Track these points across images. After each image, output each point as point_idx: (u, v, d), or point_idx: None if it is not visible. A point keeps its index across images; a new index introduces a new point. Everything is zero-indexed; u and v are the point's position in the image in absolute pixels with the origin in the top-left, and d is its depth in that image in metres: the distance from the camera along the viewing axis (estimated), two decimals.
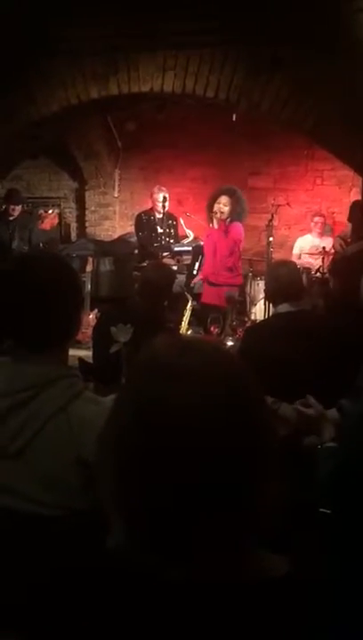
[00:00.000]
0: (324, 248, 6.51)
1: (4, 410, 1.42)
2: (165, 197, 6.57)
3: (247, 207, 5.76)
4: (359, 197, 5.93)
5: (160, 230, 6.59)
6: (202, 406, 0.73)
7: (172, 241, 6.78)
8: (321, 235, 7.23)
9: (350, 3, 5.02)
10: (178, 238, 6.89)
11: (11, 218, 6.93)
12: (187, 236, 6.85)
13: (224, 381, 0.77)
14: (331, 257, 6.26)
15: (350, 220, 6.11)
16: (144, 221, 6.76)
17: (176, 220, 6.90)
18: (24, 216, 7.37)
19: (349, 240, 5.93)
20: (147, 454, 0.73)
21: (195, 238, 6.86)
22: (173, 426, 0.73)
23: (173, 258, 6.72)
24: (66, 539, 1.34)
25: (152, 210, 6.76)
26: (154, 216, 6.71)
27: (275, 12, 5.17)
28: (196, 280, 6.19)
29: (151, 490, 0.73)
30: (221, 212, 5.53)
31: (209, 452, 0.72)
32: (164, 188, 6.73)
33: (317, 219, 7.30)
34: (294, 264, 4.48)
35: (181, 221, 6.82)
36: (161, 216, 6.62)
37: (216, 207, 5.56)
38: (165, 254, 6.55)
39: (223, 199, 5.54)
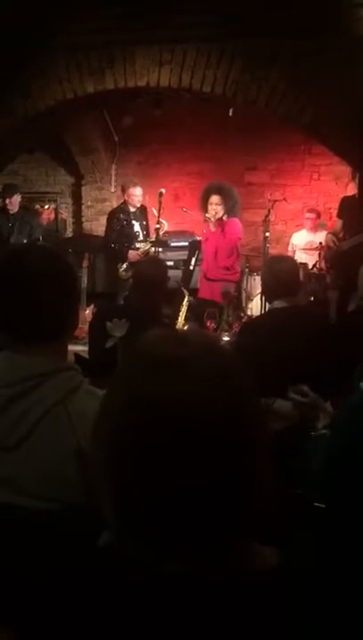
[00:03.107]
0: (320, 243, 6.51)
1: (3, 402, 1.42)
2: (134, 190, 6.52)
3: (239, 198, 5.76)
4: (355, 193, 5.93)
5: (136, 224, 6.57)
6: (196, 398, 0.73)
7: (145, 233, 6.68)
8: (315, 230, 7.22)
9: None
10: (149, 232, 6.74)
11: (11, 212, 6.90)
12: (162, 223, 6.69)
13: (219, 374, 0.77)
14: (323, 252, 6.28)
15: (339, 215, 6.12)
16: (120, 217, 6.62)
17: (145, 211, 6.77)
18: (25, 211, 7.34)
19: (340, 235, 5.93)
20: (141, 448, 0.73)
21: (189, 232, 6.82)
22: (168, 418, 0.73)
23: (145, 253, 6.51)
24: (63, 533, 1.34)
25: (126, 204, 6.66)
26: (128, 210, 6.65)
27: (273, 6, 5.16)
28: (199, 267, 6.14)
29: (145, 484, 0.73)
30: (216, 212, 5.55)
31: (204, 446, 0.72)
32: (136, 180, 6.68)
33: (309, 214, 7.29)
34: (293, 259, 4.48)
35: (154, 210, 6.59)
36: (135, 210, 6.60)
37: (210, 209, 5.58)
38: (133, 252, 6.46)
39: (214, 199, 5.56)
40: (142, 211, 6.74)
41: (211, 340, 0.88)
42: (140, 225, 6.64)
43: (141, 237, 6.60)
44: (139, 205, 6.63)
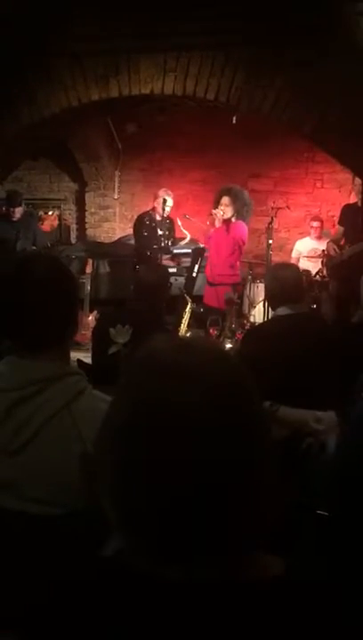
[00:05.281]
0: (323, 251, 6.52)
1: (7, 405, 1.42)
2: (164, 200, 6.54)
3: (251, 204, 5.79)
4: (358, 201, 5.94)
5: (160, 232, 6.56)
6: (200, 405, 0.73)
7: (170, 242, 6.74)
8: (319, 237, 7.24)
9: (351, 6, 5.04)
10: (176, 240, 6.85)
11: (14, 219, 6.88)
12: (184, 237, 6.81)
13: (222, 380, 0.77)
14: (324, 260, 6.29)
15: (340, 223, 6.13)
16: (146, 223, 6.64)
17: (173, 222, 6.85)
18: (27, 218, 7.34)
19: (341, 243, 5.94)
20: (144, 453, 0.73)
21: (192, 240, 6.85)
22: (171, 424, 0.73)
23: (172, 260, 6.69)
24: (66, 538, 1.34)
25: (153, 211, 6.69)
26: (154, 218, 6.66)
27: (276, 14, 5.18)
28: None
29: (149, 490, 0.73)
30: (224, 213, 5.59)
31: (207, 451, 0.72)
32: (170, 192, 6.69)
33: (315, 223, 7.31)
34: (297, 266, 4.48)
35: (179, 222, 6.75)
36: (160, 218, 6.60)
37: (219, 209, 5.63)
38: (165, 257, 6.53)
39: (224, 200, 5.62)
40: (171, 222, 6.73)
41: (215, 346, 0.87)
42: (163, 234, 6.59)
43: (162, 245, 6.53)
44: (166, 215, 6.60)
